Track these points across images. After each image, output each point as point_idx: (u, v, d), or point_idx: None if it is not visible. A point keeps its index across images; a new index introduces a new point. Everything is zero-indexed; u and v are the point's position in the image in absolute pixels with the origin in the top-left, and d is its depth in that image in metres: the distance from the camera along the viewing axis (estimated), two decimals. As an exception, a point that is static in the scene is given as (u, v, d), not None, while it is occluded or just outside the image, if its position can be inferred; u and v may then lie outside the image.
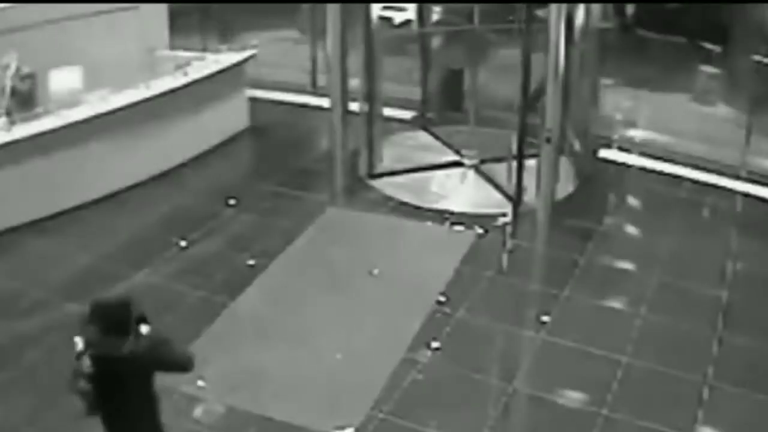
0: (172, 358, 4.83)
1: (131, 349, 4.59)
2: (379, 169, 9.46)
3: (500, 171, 9.01)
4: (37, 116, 8.34)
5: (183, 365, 4.84)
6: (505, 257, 7.95)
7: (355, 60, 9.18)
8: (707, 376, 6.36)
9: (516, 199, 8.69)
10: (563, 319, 7.03)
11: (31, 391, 6.16)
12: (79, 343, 4.58)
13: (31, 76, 8.58)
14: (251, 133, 10.60)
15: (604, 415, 5.97)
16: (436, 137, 10.34)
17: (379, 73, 9.28)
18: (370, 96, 9.32)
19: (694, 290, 7.48)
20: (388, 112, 9.80)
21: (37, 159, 8.19)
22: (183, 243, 8.07)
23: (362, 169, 9.48)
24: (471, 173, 9.56)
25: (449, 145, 10.06)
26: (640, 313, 7.13)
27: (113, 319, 4.59)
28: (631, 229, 8.85)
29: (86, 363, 4.56)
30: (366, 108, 9.37)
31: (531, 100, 8.45)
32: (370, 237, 8.37)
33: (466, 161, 9.68)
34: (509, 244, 8.16)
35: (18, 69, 8.40)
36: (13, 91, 8.37)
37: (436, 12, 11.41)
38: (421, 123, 10.67)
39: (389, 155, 9.71)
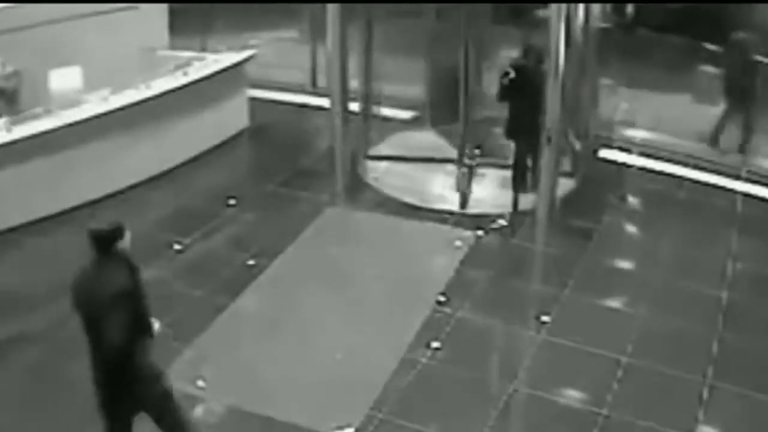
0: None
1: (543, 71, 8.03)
2: (376, 173, 9.46)
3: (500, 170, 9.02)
4: (37, 116, 8.34)
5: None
6: (504, 257, 7.95)
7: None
8: (707, 376, 6.36)
9: (516, 199, 8.69)
10: (563, 319, 7.03)
11: (30, 392, 6.16)
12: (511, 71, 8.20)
13: (16, 74, 8.55)
14: (251, 133, 10.59)
15: (604, 415, 5.98)
16: (435, 138, 10.34)
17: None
18: (366, 96, 9.32)
19: (694, 290, 7.48)
20: (386, 112, 9.80)
21: (37, 159, 8.19)
22: (183, 243, 8.07)
23: (362, 171, 9.48)
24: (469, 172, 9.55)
25: (447, 145, 10.05)
26: (640, 313, 7.13)
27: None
28: (631, 229, 8.85)
29: (511, 72, 8.20)
30: (365, 108, 9.37)
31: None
32: (370, 237, 8.37)
33: (465, 161, 9.66)
34: (509, 243, 8.16)
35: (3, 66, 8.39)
36: (1, 92, 8.36)
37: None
38: (421, 123, 10.66)
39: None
